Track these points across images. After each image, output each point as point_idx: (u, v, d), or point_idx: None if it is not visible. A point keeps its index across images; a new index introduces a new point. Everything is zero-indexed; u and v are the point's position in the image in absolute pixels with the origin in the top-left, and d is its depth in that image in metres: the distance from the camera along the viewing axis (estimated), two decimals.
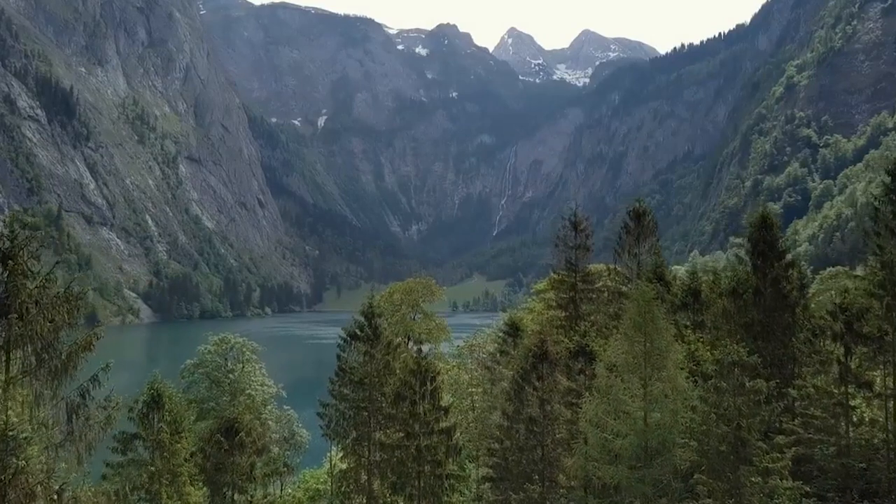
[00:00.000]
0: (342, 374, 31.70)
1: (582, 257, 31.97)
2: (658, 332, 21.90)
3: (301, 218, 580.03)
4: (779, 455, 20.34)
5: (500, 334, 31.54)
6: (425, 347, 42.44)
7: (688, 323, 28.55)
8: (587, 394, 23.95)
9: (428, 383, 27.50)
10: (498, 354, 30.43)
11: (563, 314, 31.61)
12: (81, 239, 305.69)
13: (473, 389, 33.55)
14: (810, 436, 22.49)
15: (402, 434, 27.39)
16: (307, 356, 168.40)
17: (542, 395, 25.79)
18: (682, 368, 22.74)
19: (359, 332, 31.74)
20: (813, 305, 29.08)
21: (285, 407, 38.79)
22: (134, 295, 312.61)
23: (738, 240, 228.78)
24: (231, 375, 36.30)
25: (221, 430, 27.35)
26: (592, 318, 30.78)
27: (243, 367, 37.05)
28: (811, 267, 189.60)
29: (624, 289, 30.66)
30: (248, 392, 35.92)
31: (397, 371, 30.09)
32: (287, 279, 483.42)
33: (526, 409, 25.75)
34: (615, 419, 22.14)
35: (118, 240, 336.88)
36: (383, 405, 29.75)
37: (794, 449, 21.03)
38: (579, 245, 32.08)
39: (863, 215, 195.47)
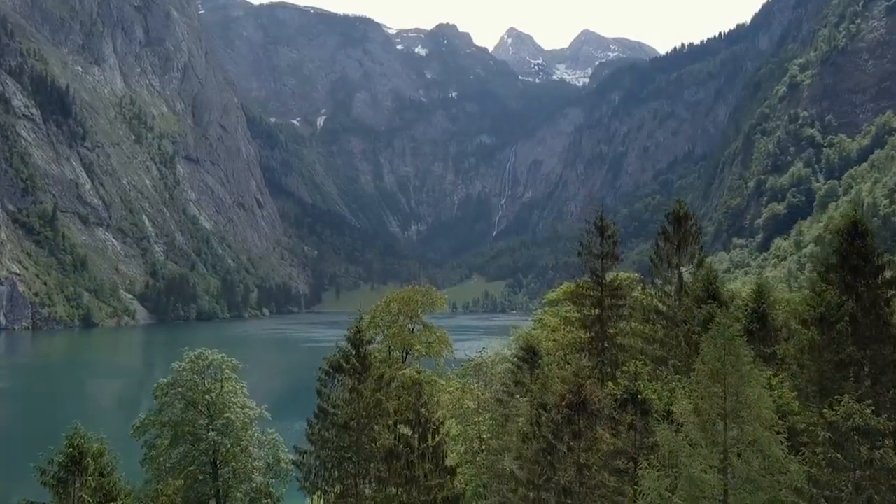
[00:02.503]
0: (323, 414, 26.42)
1: (609, 267, 27.14)
2: (744, 381, 16.55)
3: (300, 218, 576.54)
4: None
5: (514, 359, 26.58)
6: (425, 362, 38.55)
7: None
8: (643, 461, 18.36)
9: (429, 437, 21.88)
10: (512, 385, 25.38)
11: (587, 335, 26.73)
12: (77, 239, 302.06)
13: (480, 419, 29.31)
14: None
15: (395, 500, 22.24)
16: (304, 361, 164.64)
17: (579, 457, 19.93)
18: (778, 432, 16.96)
19: (344, 364, 26.12)
20: None
21: (270, 430, 34.98)
22: (130, 296, 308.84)
23: (741, 240, 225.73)
24: (208, 396, 32.62)
25: None
26: (623, 340, 26.13)
27: (222, 386, 33.29)
28: (816, 269, 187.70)
29: (662, 307, 26.71)
30: (226, 415, 32.29)
31: (391, 412, 24.85)
32: (285, 280, 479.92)
33: (557, 474, 19.99)
34: (684, 498, 16.87)
35: (114, 240, 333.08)
36: (374, 453, 24.69)
37: None
38: (606, 253, 27.12)
39: (870, 216, 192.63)
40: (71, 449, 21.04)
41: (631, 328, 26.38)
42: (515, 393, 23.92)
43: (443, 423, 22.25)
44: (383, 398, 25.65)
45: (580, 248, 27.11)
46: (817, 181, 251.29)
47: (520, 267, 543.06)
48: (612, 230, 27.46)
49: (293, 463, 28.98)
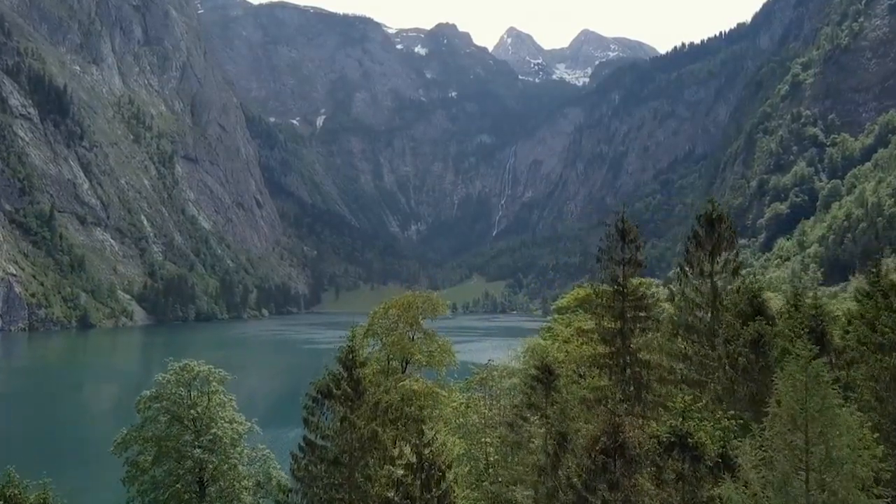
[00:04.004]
0: (310, 447, 22.95)
1: (631, 274, 24.04)
2: (833, 429, 13.29)
3: (299, 218, 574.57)
4: None
5: (527, 378, 23.74)
6: (424, 372, 36.32)
7: None
8: None
9: (433, 486, 17.99)
10: (524, 407, 22.17)
11: (608, 350, 23.52)
12: (74, 240, 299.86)
13: (488, 439, 26.70)
14: None
15: None
16: (303, 363, 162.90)
17: None
18: (878, 495, 13.59)
19: (334, 389, 22.54)
20: None
21: (260, 445, 32.84)
22: (128, 297, 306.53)
23: (744, 240, 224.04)
24: (193, 411, 30.50)
25: None
26: (648, 356, 22.96)
27: (209, 399, 31.18)
28: (822, 269, 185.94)
29: (693, 321, 24.15)
30: (213, 431, 30.17)
31: (388, 445, 21.59)
32: (285, 280, 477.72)
33: None
34: None
35: (112, 240, 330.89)
36: (369, 493, 21.14)
37: None
38: (628, 259, 24.00)
39: (874, 216, 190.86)
40: (3, 501, 18.35)
41: (658, 344, 23.81)
42: (529, 417, 21.23)
43: (450, 466, 18.92)
44: (379, 429, 22.34)
45: (599, 253, 24.21)
46: (820, 181, 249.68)
47: (520, 267, 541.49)
48: (634, 234, 24.18)
49: (276, 503, 26.70)
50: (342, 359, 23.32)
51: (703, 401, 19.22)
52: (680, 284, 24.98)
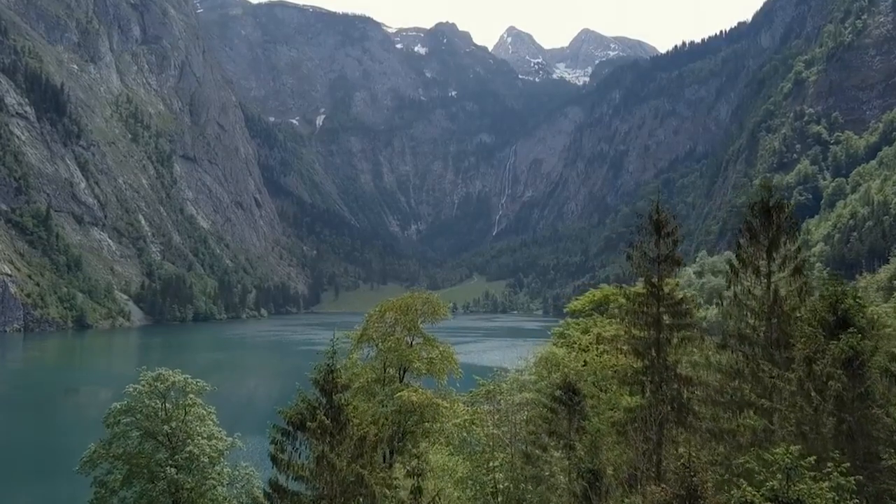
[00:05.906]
0: (279, 493, 18.10)
1: (668, 274, 20.27)
2: None
3: (299, 218, 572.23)
4: None
5: (547, 399, 20.30)
6: (424, 381, 33.43)
7: None
8: None
9: None
10: (544, 435, 18.56)
11: (640, 363, 19.59)
12: (71, 239, 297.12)
13: (496, 463, 23.50)
14: None
15: None
16: (303, 365, 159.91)
17: None
18: None
19: (308, 421, 17.77)
20: None
21: (243, 463, 29.96)
22: (125, 297, 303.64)
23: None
24: (168, 426, 27.68)
25: None
26: (689, 372, 19.22)
27: (185, 413, 28.40)
28: (827, 268, 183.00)
29: (744, 328, 20.00)
30: (188, 448, 27.34)
31: (376, 492, 17.06)
32: (284, 280, 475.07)
33: None
34: None
35: (110, 240, 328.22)
36: None
37: None
38: (665, 256, 20.26)
39: (880, 214, 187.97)
40: None
41: (707, 359, 20.30)
42: (548, 446, 17.87)
43: None
44: (365, 471, 17.38)
45: (629, 249, 20.79)
46: (824, 179, 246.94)
47: (520, 266, 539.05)
48: (671, 226, 21.00)
49: None
50: (319, 381, 18.69)
51: (783, 431, 15.82)
52: (729, 285, 21.28)
